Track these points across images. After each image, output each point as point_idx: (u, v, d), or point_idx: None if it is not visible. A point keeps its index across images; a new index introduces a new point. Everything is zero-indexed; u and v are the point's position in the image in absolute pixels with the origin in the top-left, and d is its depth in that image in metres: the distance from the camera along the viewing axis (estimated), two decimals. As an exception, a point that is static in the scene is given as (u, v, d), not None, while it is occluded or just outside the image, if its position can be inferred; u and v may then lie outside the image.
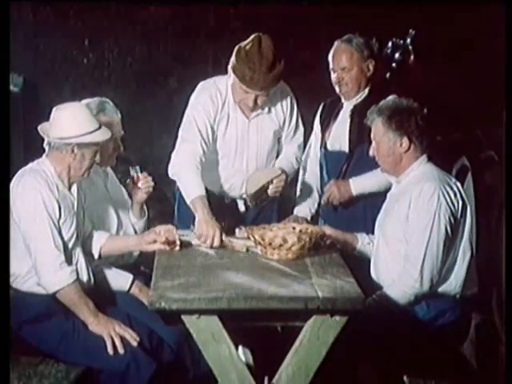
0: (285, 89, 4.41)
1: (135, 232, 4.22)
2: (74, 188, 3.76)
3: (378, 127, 3.78)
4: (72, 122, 3.63)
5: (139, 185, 4.16)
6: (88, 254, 3.86)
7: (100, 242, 3.91)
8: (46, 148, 3.70)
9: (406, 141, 3.74)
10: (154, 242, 3.83)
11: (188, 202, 4.19)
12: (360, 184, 4.39)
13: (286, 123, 4.44)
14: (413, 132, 3.74)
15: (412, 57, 4.63)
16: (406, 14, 6.02)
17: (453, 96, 6.29)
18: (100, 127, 3.69)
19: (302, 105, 4.55)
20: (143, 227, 4.27)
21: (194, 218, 4.07)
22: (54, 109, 3.71)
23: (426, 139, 3.78)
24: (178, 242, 3.83)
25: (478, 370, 4.05)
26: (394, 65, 4.67)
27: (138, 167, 4.16)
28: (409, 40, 4.62)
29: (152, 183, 4.18)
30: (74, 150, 3.63)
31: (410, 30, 4.64)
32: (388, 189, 4.14)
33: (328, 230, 3.94)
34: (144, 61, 6.41)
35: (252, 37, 4.10)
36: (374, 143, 3.84)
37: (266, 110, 4.35)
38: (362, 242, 3.99)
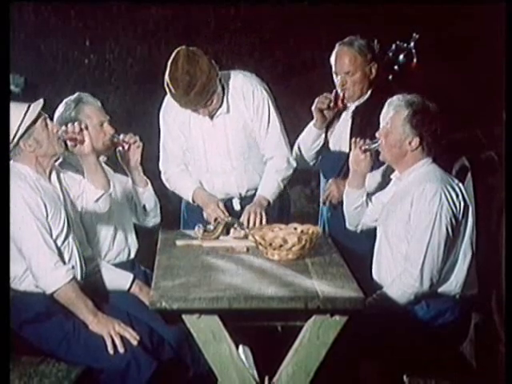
0: (248, 87, 4.35)
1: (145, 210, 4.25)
2: (54, 178, 3.74)
3: (399, 116, 3.77)
4: (13, 114, 3.55)
5: (126, 147, 4.12)
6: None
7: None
8: (12, 155, 3.64)
9: (416, 141, 3.74)
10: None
11: (190, 201, 4.33)
12: None
13: (256, 120, 4.37)
14: (427, 136, 3.74)
15: (415, 60, 4.62)
16: (406, 13, 6.01)
17: (453, 96, 6.29)
18: (28, 107, 3.62)
19: (302, 104, 4.54)
20: (151, 197, 4.25)
21: (200, 219, 4.19)
22: None
23: (434, 147, 3.79)
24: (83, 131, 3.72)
25: (478, 369, 4.04)
26: (396, 67, 4.66)
27: (120, 135, 4.11)
28: (412, 43, 4.61)
29: (137, 137, 4.13)
30: (26, 143, 3.61)
31: (414, 34, 4.63)
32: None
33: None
34: (144, 61, 6.42)
35: (172, 55, 4.11)
36: (386, 127, 3.84)
37: (225, 109, 4.30)
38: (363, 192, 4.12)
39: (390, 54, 4.54)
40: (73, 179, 3.88)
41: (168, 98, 4.33)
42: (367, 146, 3.98)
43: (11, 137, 3.57)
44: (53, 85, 6.48)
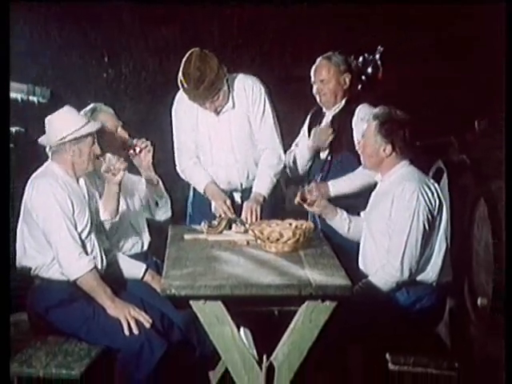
0: (249, 83, 4.35)
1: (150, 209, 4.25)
2: (82, 181, 3.76)
3: (370, 129, 3.76)
4: (62, 123, 3.64)
5: (137, 150, 4.12)
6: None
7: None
8: (49, 154, 3.70)
9: (389, 148, 3.73)
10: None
11: (202, 192, 4.36)
12: (337, 186, 4.34)
13: (252, 111, 4.35)
14: (397, 142, 3.72)
15: (381, 71, 4.56)
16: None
17: (428, 104, 6.27)
18: (88, 122, 3.69)
19: (299, 110, 4.51)
20: (162, 194, 4.26)
21: (204, 215, 4.16)
22: (46, 120, 3.72)
23: (407, 150, 3.76)
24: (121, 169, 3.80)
25: (452, 348, 4.04)
26: (364, 78, 4.61)
27: (133, 140, 4.12)
28: (378, 55, 4.55)
29: (148, 142, 4.14)
30: (71, 147, 3.63)
31: (379, 47, 4.56)
32: (361, 192, 4.21)
33: (319, 201, 4.00)
34: (156, 74, 6.41)
35: (187, 55, 4.13)
36: (362, 140, 3.83)
37: (231, 104, 4.30)
38: (340, 216, 3.98)
39: (360, 66, 4.50)
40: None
41: (178, 97, 4.34)
42: (298, 199, 4.00)
43: (59, 136, 3.61)
44: (76, 96, 6.45)
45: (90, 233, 3.67)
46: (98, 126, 3.72)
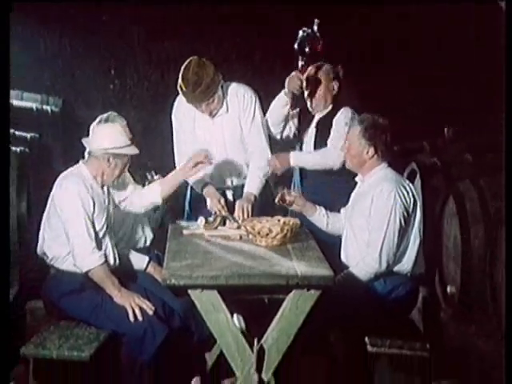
0: (241, 90, 4.29)
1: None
2: (105, 188, 3.74)
3: (355, 132, 3.75)
4: (111, 137, 3.64)
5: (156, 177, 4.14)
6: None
7: (157, 191, 3.92)
8: (86, 156, 3.70)
9: (372, 150, 3.71)
10: (195, 165, 3.88)
11: (199, 191, 4.30)
12: (298, 158, 4.31)
13: (243, 116, 4.30)
14: (380, 145, 3.71)
15: (320, 43, 4.34)
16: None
17: (406, 112, 6.27)
18: (132, 143, 3.68)
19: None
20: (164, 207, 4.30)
21: (200, 213, 4.12)
22: (95, 126, 3.75)
23: (388, 153, 3.76)
24: (209, 158, 3.90)
25: (424, 332, 4.05)
26: (307, 50, 4.38)
27: (153, 172, 4.13)
28: (315, 27, 4.31)
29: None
30: (110, 159, 3.63)
31: (315, 20, 4.31)
32: (322, 170, 4.27)
33: (298, 200, 3.92)
34: (158, 85, 6.40)
35: (186, 62, 4.09)
36: (347, 143, 3.81)
37: (225, 109, 4.25)
38: (319, 212, 3.95)
39: (300, 40, 4.21)
40: (122, 188, 3.91)
41: (178, 101, 4.30)
42: (277, 200, 3.95)
43: (102, 146, 3.61)
44: (85, 105, 6.47)
45: (105, 233, 3.66)
46: (137, 151, 3.70)
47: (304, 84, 4.38)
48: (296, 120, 4.53)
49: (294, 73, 4.24)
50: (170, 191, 3.98)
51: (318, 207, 3.97)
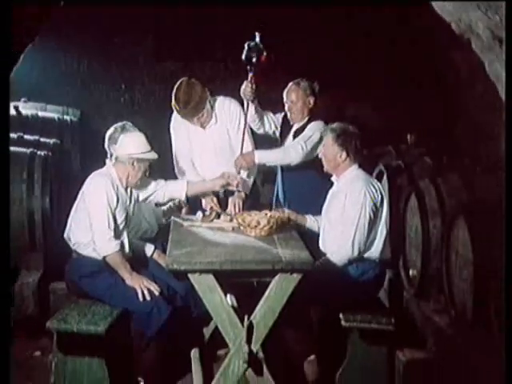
0: (227, 103, 4.27)
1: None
2: (129, 190, 3.75)
3: (329, 140, 3.74)
4: (135, 143, 3.66)
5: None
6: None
7: (183, 189, 3.96)
8: (113, 160, 3.70)
9: (344, 154, 3.72)
10: (226, 185, 3.97)
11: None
12: (261, 156, 4.19)
13: (231, 125, 4.27)
14: (351, 150, 3.71)
15: (264, 54, 4.27)
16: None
17: (373, 122, 6.29)
18: (152, 149, 3.69)
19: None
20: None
21: (198, 206, 4.13)
22: (119, 135, 3.81)
23: (358, 156, 3.76)
24: (239, 181, 4.01)
25: (390, 308, 4.06)
26: (253, 61, 4.30)
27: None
28: (258, 39, 4.05)
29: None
30: (135, 163, 3.64)
31: (256, 33, 4.06)
32: (283, 166, 4.27)
33: (291, 215, 3.89)
34: (162, 99, 6.38)
35: (178, 83, 4.08)
36: (323, 149, 3.81)
37: (214, 120, 4.23)
38: (309, 220, 3.93)
39: (244, 56, 4.10)
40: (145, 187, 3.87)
41: (174, 116, 4.26)
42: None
43: (128, 152, 3.62)
44: (99, 115, 6.46)
45: (124, 228, 3.67)
46: (157, 156, 3.70)
47: (284, 99, 4.33)
48: (278, 123, 4.50)
49: (245, 82, 4.19)
50: (193, 194, 4.03)
51: (307, 216, 3.92)
